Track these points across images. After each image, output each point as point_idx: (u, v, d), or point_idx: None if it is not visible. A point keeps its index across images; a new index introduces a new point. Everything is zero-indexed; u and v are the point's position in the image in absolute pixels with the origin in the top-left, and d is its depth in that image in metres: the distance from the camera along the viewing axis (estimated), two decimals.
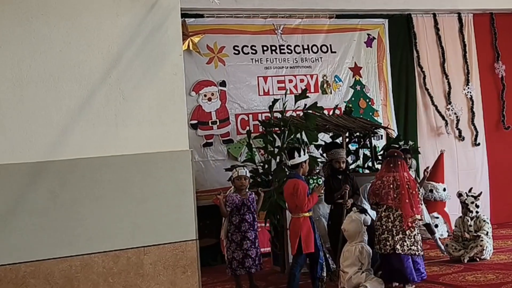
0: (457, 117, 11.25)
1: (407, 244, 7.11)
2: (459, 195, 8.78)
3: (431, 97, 11.15)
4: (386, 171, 7.32)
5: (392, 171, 7.24)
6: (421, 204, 7.54)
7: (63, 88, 5.28)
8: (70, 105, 5.30)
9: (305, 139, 8.66)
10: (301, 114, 8.87)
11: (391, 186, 7.17)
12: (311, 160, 8.29)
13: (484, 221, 8.63)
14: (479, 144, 11.40)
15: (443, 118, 11.16)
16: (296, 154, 7.24)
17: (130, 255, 5.39)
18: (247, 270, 7.56)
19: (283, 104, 8.78)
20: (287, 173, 7.69)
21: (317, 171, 8.97)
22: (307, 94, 9.59)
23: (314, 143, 8.97)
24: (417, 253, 7.16)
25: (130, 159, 5.41)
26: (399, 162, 7.25)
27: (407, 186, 7.14)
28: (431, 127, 11.22)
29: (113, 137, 5.39)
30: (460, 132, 11.28)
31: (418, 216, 7.19)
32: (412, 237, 7.13)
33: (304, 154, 7.32)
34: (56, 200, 5.20)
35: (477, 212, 8.65)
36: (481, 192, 8.99)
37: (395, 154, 7.44)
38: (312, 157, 8.59)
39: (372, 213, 7.66)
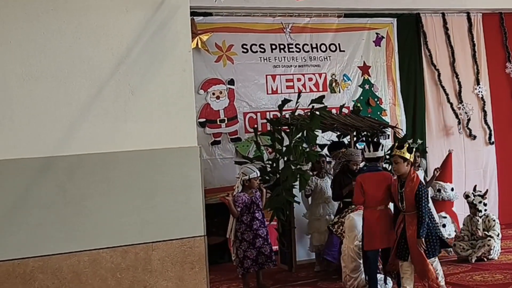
0: (467, 116, 11.22)
1: None
2: (466, 196, 8.82)
3: (447, 95, 11.11)
4: None
5: None
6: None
7: (72, 83, 5.28)
8: (79, 100, 5.30)
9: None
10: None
11: None
12: (311, 155, 8.38)
13: (494, 220, 8.64)
14: (493, 142, 11.37)
15: (457, 116, 11.13)
16: (380, 147, 7.27)
17: (138, 250, 5.39)
18: (260, 267, 7.58)
19: (296, 103, 8.79)
20: (367, 165, 7.32)
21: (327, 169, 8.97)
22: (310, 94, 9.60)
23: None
24: None
25: (138, 154, 5.40)
26: None
27: None
28: (440, 126, 11.18)
29: (121, 133, 5.39)
30: (470, 131, 11.25)
31: None
32: None
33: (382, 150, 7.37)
34: (64, 195, 5.19)
35: (485, 210, 8.66)
36: (487, 190, 9.01)
37: None
38: (313, 152, 8.62)
39: None
